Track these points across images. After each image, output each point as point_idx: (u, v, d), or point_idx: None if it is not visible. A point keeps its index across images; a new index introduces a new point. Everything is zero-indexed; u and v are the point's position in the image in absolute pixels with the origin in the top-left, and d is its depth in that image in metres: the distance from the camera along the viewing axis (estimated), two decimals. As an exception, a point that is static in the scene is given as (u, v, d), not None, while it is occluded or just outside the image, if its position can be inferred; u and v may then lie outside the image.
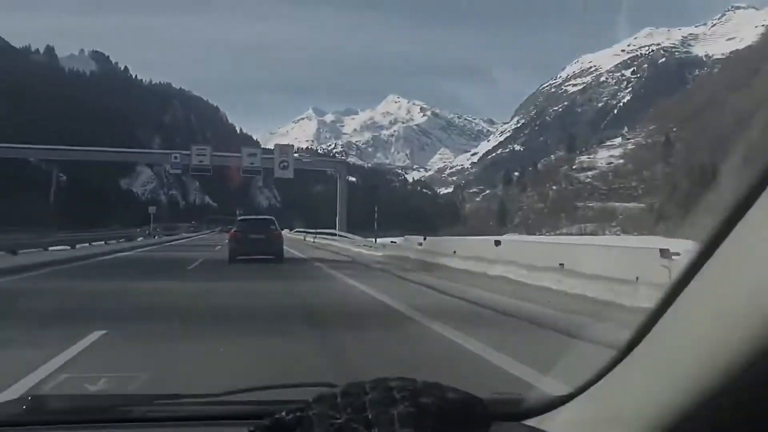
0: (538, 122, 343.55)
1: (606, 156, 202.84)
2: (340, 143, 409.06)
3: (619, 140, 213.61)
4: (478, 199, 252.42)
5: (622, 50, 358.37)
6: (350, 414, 0.87)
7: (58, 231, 33.34)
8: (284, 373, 4.11)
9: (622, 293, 7.09)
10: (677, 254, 6.91)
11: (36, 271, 14.23)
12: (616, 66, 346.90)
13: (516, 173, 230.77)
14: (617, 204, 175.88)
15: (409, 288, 11.00)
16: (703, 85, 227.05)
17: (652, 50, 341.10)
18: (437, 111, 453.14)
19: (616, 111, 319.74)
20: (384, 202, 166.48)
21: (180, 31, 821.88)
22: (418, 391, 0.91)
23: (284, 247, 19.65)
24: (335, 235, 33.98)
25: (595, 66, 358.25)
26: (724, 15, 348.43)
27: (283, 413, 0.90)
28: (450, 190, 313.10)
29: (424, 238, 16.91)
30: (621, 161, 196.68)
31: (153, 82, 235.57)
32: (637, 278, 7.15)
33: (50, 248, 21.65)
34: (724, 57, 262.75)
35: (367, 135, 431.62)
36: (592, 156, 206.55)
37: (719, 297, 0.67)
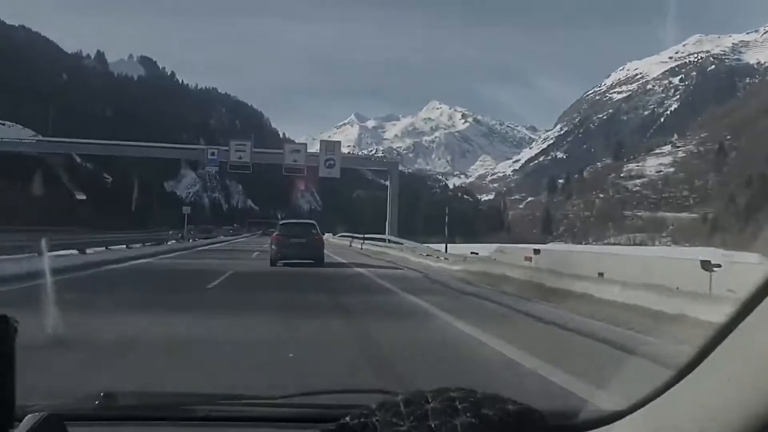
0: (581, 130, 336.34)
1: (655, 164, 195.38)
2: (381, 149, 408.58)
3: (668, 148, 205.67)
4: (521, 207, 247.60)
5: (670, 57, 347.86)
6: (413, 422, 0.86)
7: (88, 232, 29.66)
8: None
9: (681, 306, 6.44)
10: (718, 266, 6.85)
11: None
12: (663, 73, 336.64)
13: (560, 181, 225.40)
14: (668, 214, 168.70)
15: (566, 339, 6.34)
16: (756, 93, 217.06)
17: (701, 57, 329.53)
18: (479, 117, 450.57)
19: (662, 119, 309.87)
20: (425, 208, 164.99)
21: (225, 35, 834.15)
22: (479, 402, 0.90)
23: (329, 253, 19.19)
24: (386, 240, 31.52)
25: (641, 73, 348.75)
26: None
27: (348, 418, 0.90)
28: (491, 197, 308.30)
29: (536, 251, 12.07)
30: (671, 169, 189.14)
31: (199, 87, 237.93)
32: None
33: (55, 252, 17.38)
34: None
35: (408, 141, 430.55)
36: (640, 164, 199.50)
37: None
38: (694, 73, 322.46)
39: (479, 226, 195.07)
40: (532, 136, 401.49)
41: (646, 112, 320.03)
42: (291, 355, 5.18)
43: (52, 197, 60.99)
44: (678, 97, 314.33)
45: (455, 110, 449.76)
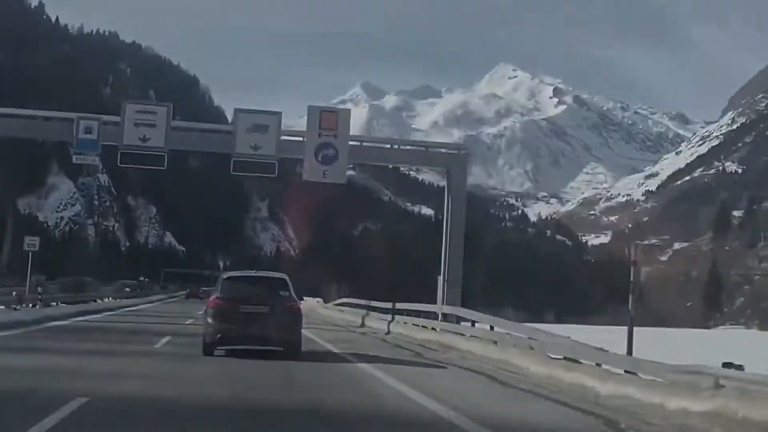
0: None
1: None
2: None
3: None
4: (663, 259, 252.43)
5: None
6: None
7: None
8: None
9: None
10: None
11: None
12: None
13: (737, 213, 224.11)
14: None
15: None
16: None
17: None
18: (584, 96, 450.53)
19: None
20: (485, 255, 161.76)
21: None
22: None
23: (315, 338, 23.00)
24: (439, 317, 31.11)
25: None
26: None
27: None
28: (605, 238, 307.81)
29: None
30: None
31: (85, 30, 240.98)
32: None
33: None
34: None
35: (457, 134, 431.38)
36: None
37: None
38: None
39: (587, 291, 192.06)
40: (681, 133, 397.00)
41: None
42: None
43: None
44: None
45: (542, 82, 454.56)
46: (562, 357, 17.37)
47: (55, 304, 41.95)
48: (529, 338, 19.56)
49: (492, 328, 22.81)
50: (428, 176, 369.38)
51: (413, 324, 30.68)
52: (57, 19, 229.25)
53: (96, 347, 21.15)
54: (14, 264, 63.69)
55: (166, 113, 35.33)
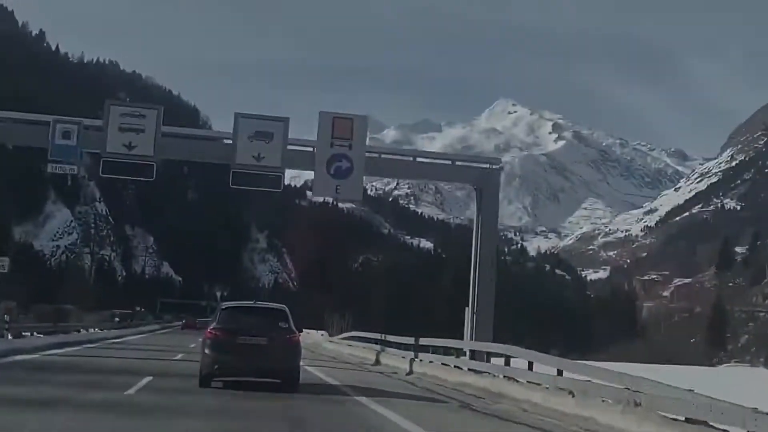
0: None
1: None
2: (407, 182, 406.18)
3: None
4: (664, 294, 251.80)
5: None
6: None
7: None
8: None
9: None
10: None
11: None
12: None
13: (741, 249, 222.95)
14: None
15: None
16: None
17: None
18: (583, 132, 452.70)
19: None
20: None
21: None
22: None
23: (320, 375, 23.38)
24: (466, 353, 27.46)
25: None
26: None
27: None
28: (604, 273, 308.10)
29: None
30: None
31: (86, 59, 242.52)
32: None
33: None
34: None
35: None
36: None
37: None
38: None
39: (589, 326, 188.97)
40: (680, 169, 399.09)
41: None
42: None
43: None
44: None
45: (541, 117, 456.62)
46: (683, 418, 12.56)
47: (29, 334, 39.42)
48: (630, 389, 14.44)
49: (560, 372, 17.75)
50: (428, 209, 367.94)
51: (442, 363, 26.08)
52: (57, 47, 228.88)
53: (49, 395, 16.38)
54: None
55: (156, 117, 31.31)
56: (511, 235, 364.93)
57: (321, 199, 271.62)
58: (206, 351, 18.84)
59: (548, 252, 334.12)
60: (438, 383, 23.56)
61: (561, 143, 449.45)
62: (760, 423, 11.03)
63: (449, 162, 34.03)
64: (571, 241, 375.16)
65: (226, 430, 13.12)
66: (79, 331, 48.61)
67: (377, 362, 33.64)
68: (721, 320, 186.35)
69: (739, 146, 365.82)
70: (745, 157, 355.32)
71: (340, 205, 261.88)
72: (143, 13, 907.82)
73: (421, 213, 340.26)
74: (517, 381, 19.38)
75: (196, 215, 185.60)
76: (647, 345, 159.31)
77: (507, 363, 21.47)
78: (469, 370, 23.53)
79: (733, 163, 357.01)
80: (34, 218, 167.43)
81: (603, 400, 14.71)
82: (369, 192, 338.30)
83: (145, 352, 35.41)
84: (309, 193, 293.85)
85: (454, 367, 24.84)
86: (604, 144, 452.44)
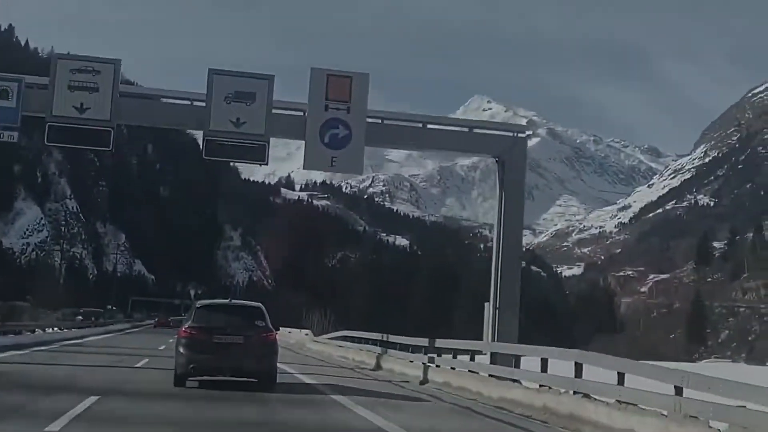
0: (744, 156, 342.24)
1: None
2: (382, 177, 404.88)
3: None
4: (642, 290, 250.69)
5: None
6: None
7: None
8: None
9: None
10: None
11: None
12: None
13: (719, 244, 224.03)
14: None
15: None
16: None
17: None
18: (557, 129, 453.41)
19: None
20: (462, 286, 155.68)
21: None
22: None
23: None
24: (490, 356, 22.63)
25: None
26: None
27: None
28: (578, 270, 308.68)
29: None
30: None
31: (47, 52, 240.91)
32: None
33: None
34: None
35: (431, 166, 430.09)
36: None
37: None
38: None
39: (569, 323, 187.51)
40: (654, 166, 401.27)
41: None
42: None
43: None
44: None
45: (515, 113, 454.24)
46: None
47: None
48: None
49: (680, 390, 11.68)
50: (403, 207, 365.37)
51: (470, 371, 20.71)
52: (27, 42, 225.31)
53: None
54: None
55: (112, 72, 26.14)
56: (486, 232, 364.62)
57: (296, 197, 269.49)
58: (181, 350, 18.65)
59: (524, 249, 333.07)
60: (470, 397, 18.65)
61: (535, 140, 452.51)
62: None
63: (466, 129, 28.75)
64: (545, 238, 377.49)
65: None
66: (33, 332, 44.08)
67: (378, 367, 28.85)
68: (701, 316, 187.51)
69: (712, 143, 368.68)
70: (718, 154, 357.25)
71: (315, 202, 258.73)
72: (118, 12, 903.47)
73: (397, 210, 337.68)
74: (589, 398, 13.70)
75: (169, 212, 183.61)
76: (627, 341, 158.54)
77: (516, 364, 15.92)
78: (514, 381, 17.55)
79: (706, 160, 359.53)
80: (4, 216, 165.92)
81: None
82: (344, 189, 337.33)
83: (103, 357, 30.45)
84: (284, 190, 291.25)
85: (490, 376, 19.35)
86: (578, 141, 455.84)
